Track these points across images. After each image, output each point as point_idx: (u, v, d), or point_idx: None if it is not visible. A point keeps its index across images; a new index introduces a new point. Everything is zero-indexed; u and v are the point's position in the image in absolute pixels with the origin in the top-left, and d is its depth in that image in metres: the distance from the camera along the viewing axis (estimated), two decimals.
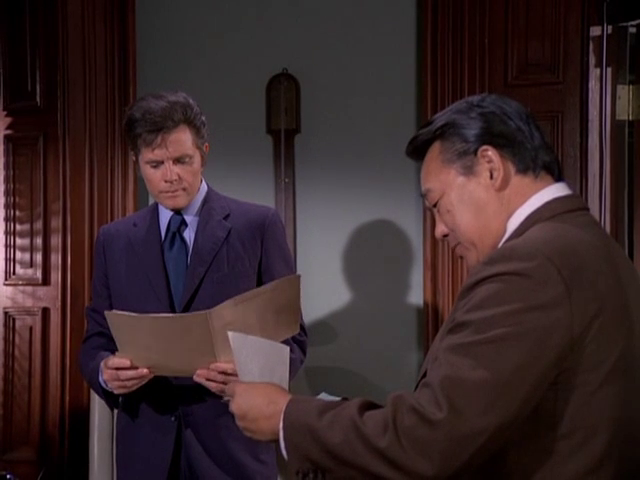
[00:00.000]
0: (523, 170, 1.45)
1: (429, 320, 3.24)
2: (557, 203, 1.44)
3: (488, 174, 1.45)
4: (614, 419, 1.33)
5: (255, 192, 3.25)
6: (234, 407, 1.49)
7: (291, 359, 2.23)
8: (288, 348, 1.67)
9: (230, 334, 1.67)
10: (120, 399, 2.30)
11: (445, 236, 1.52)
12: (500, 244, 1.44)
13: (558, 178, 1.49)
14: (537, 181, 1.45)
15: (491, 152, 1.44)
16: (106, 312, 2.12)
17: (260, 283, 2.31)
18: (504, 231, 1.45)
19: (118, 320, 2.09)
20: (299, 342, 2.32)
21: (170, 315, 2.12)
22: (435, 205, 1.51)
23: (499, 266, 1.32)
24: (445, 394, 1.27)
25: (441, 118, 1.49)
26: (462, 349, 1.29)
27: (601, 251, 1.38)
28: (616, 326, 1.34)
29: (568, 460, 1.32)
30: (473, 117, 1.46)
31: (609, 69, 3.01)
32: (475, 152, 1.45)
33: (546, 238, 1.35)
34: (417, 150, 1.53)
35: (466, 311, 1.32)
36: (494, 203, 1.45)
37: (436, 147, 1.49)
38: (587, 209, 1.49)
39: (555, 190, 1.46)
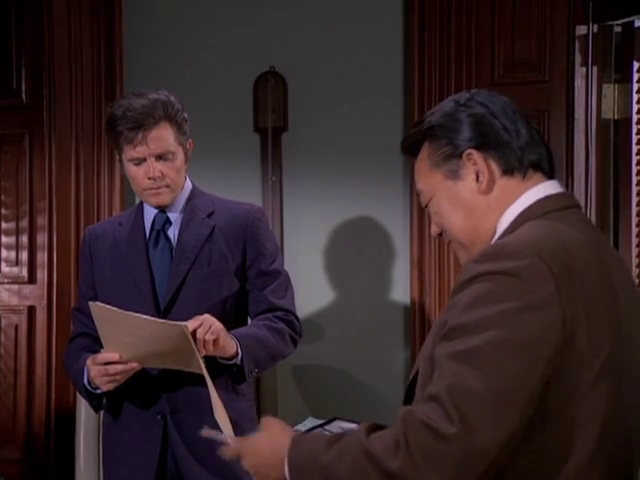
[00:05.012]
0: (509, 171, 1.44)
1: (416, 318, 3.25)
2: (548, 201, 1.43)
3: (474, 177, 1.44)
4: (604, 418, 1.33)
5: (242, 190, 3.24)
6: (247, 467, 1.48)
7: (276, 328, 2.27)
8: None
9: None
10: (104, 401, 2.30)
11: (440, 234, 1.52)
12: (492, 243, 1.44)
13: (551, 174, 1.48)
14: (525, 181, 1.45)
15: (475, 155, 1.44)
16: (90, 303, 2.12)
17: (244, 281, 2.32)
18: (494, 232, 1.45)
19: (102, 313, 2.10)
20: (285, 320, 2.32)
21: (151, 318, 2.12)
22: (427, 206, 1.51)
23: (489, 264, 1.32)
24: (455, 406, 1.25)
25: (429, 119, 1.49)
26: (463, 356, 1.28)
27: (592, 249, 1.38)
28: (605, 324, 1.34)
29: (559, 459, 1.32)
30: (459, 119, 1.46)
31: (595, 68, 3.02)
32: (460, 155, 1.45)
33: (537, 236, 1.35)
34: (409, 150, 1.53)
35: (459, 313, 1.31)
36: (481, 205, 1.45)
37: (425, 148, 1.49)
38: (579, 207, 1.48)
39: (546, 188, 1.45)
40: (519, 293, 1.28)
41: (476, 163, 1.44)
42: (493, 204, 1.44)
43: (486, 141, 1.44)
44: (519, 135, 1.45)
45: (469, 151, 1.44)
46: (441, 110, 1.49)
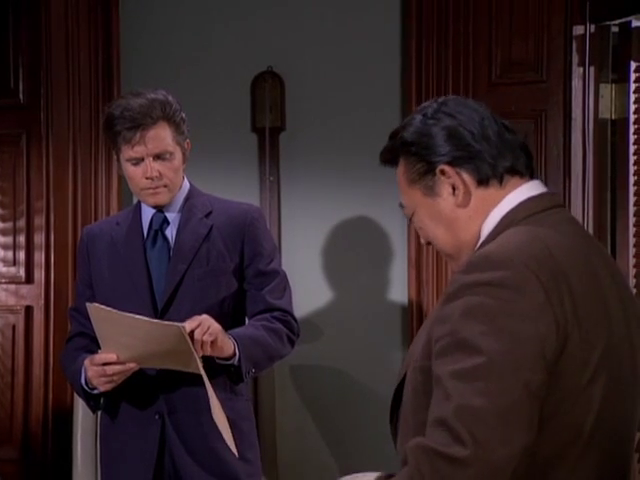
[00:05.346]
0: (485, 181, 1.44)
1: (413, 318, 3.25)
2: (531, 203, 1.43)
3: (450, 191, 1.45)
4: (597, 418, 1.34)
5: (240, 190, 3.24)
6: None
7: (273, 329, 2.27)
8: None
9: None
10: (102, 401, 2.30)
11: (429, 244, 1.53)
12: (476, 248, 1.44)
13: (531, 175, 1.48)
14: (503, 187, 1.45)
15: (449, 170, 1.44)
16: (88, 304, 2.13)
17: (242, 281, 2.32)
18: (478, 238, 1.45)
19: (99, 313, 2.10)
20: (283, 321, 2.31)
21: (148, 319, 2.12)
22: (411, 220, 1.53)
23: (475, 275, 1.31)
24: (464, 427, 1.23)
25: (401, 134, 1.49)
26: (465, 375, 1.26)
27: (577, 251, 1.38)
28: (596, 327, 1.34)
29: (553, 460, 1.32)
30: (428, 134, 1.45)
31: (592, 68, 3.03)
32: (434, 172, 1.45)
33: (520, 243, 1.35)
34: (388, 163, 1.54)
35: (453, 327, 1.30)
36: (461, 218, 1.45)
37: (401, 164, 1.50)
38: (562, 206, 1.48)
39: (527, 190, 1.45)
40: (510, 305, 1.28)
41: (450, 177, 1.44)
42: (473, 214, 1.45)
43: (458, 155, 1.44)
44: (489, 143, 1.45)
45: (442, 167, 1.44)
46: (411, 125, 1.48)
